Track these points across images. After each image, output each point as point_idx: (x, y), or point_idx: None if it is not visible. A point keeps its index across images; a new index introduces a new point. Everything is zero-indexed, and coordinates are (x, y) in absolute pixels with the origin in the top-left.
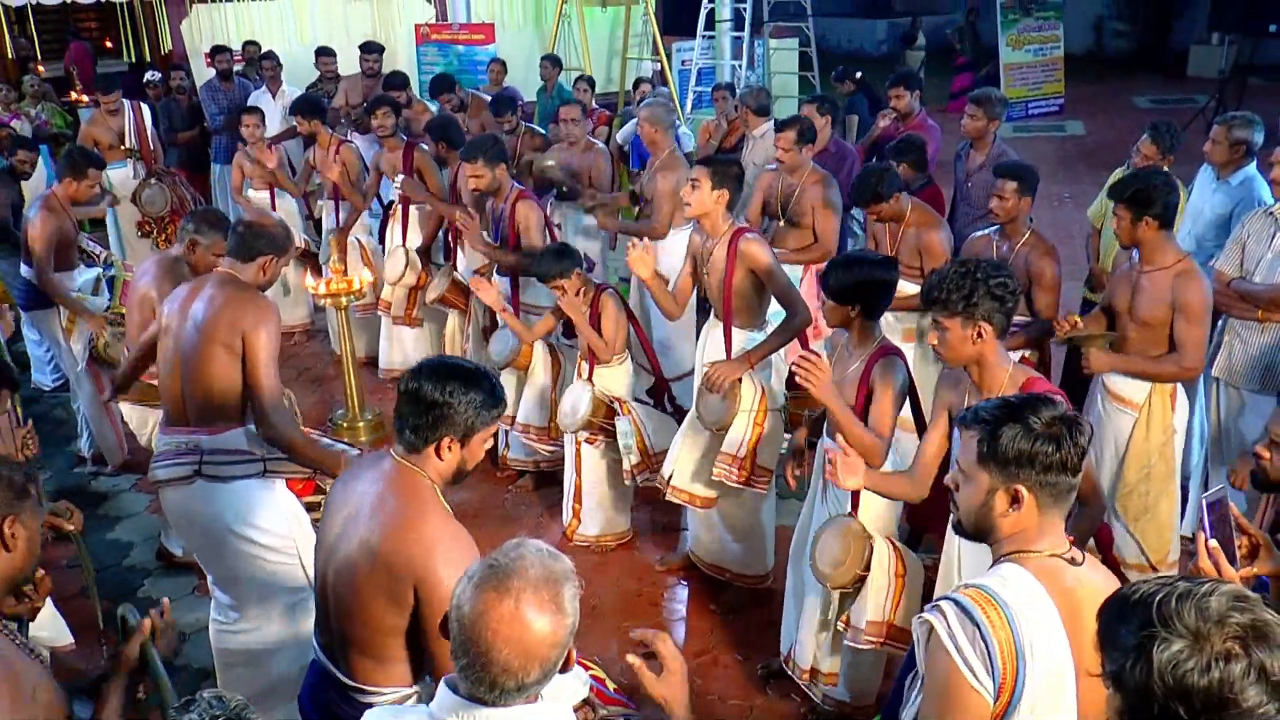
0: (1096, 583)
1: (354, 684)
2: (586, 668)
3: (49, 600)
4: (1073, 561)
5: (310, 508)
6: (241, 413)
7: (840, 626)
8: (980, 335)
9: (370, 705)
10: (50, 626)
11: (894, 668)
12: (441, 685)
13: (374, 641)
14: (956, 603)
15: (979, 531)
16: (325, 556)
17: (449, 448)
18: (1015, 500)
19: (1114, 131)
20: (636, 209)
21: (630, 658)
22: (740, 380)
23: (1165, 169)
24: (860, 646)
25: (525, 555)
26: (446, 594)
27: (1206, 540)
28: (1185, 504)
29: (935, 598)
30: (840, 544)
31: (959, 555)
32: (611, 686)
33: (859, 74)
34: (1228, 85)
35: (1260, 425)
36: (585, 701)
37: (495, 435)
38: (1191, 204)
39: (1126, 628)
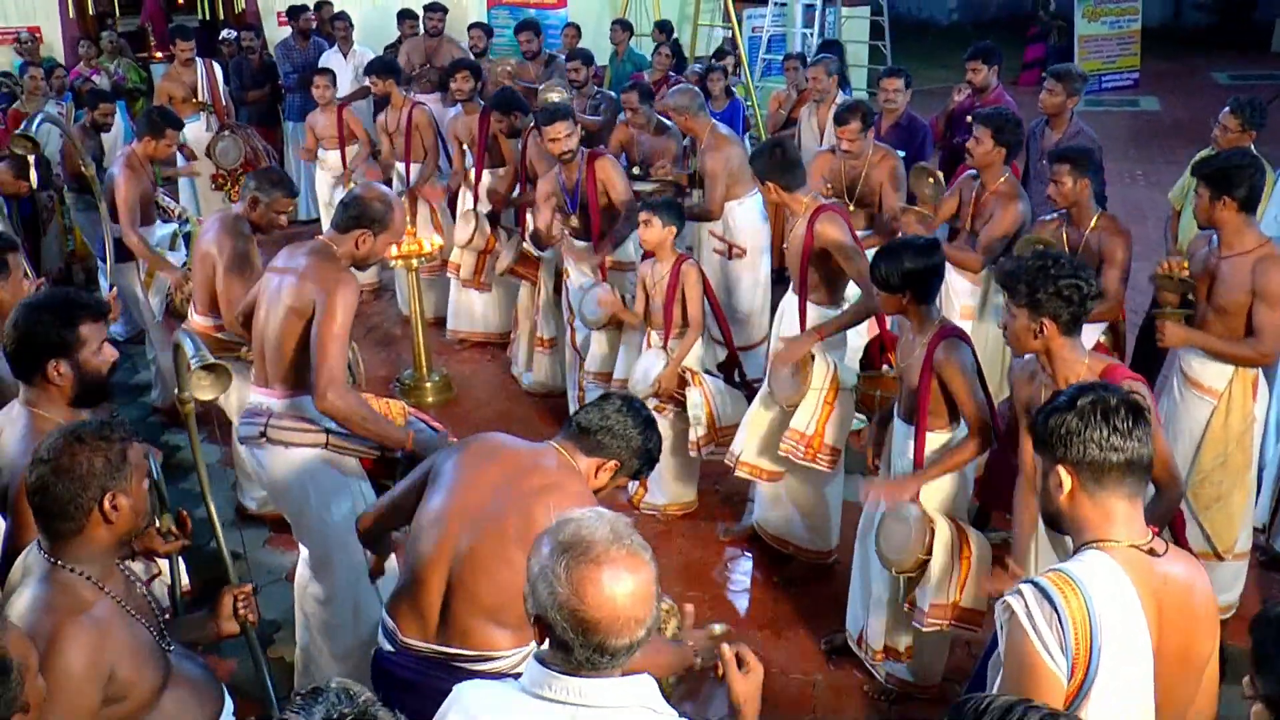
0: (1178, 573)
1: (473, 653)
2: None
3: None
4: (1152, 552)
5: (381, 489)
6: (309, 381)
7: (905, 608)
8: (1042, 330)
9: (485, 672)
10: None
11: (960, 647)
12: (530, 661)
13: (512, 608)
14: (1036, 585)
15: (1049, 518)
16: (455, 528)
17: (608, 470)
18: (1061, 482)
19: (1190, 109)
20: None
21: (725, 648)
22: (813, 357)
23: (1248, 145)
24: (926, 628)
25: (585, 522)
26: None
27: None
28: (1259, 493)
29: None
30: (902, 530)
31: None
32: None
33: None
34: None
35: None
36: None
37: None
38: (1278, 187)
39: None
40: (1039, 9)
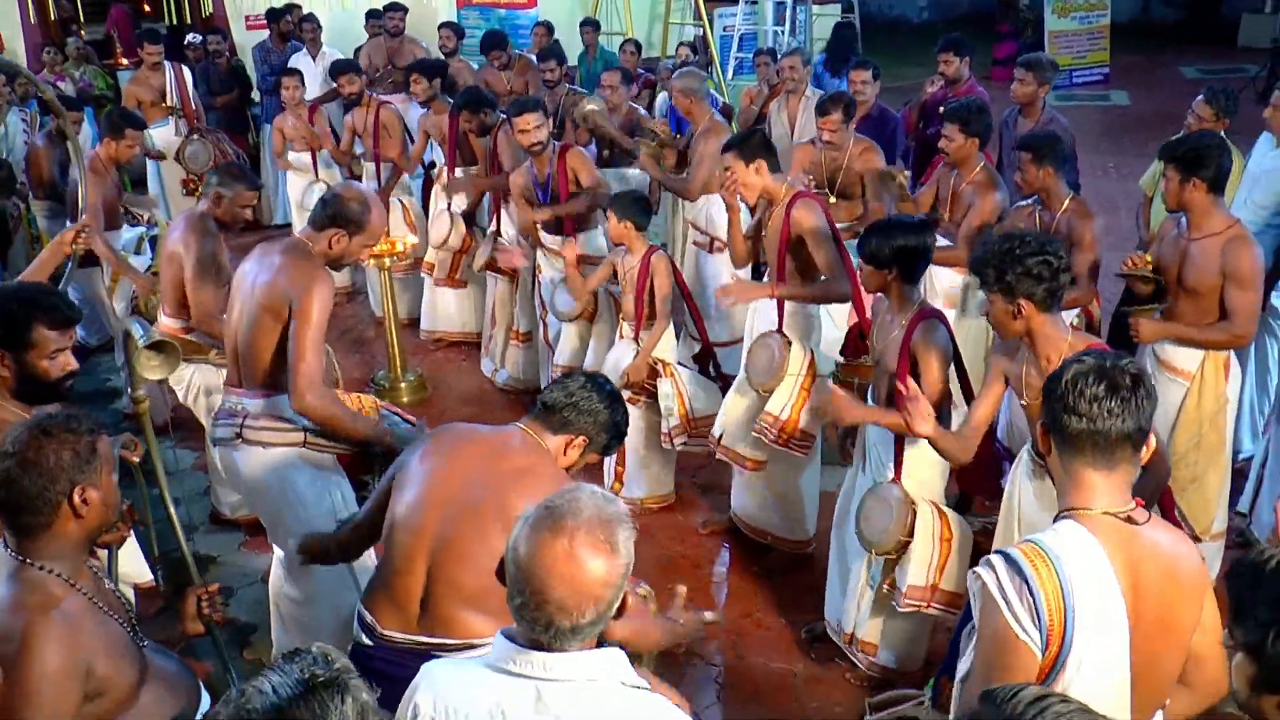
0: (1159, 541)
1: (457, 641)
2: None
3: (131, 536)
4: (1131, 520)
5: (359, 485)
6: (284, 380)
7: (885, 589)
8: (1020, 311)
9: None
10: (131, 561)
11: (941, 633)
12: (498, 636)
13: (495, 594)
14: (1006, 556)
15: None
16: (432, 518)
17: (577, 447)
18: (1043, 442)
19: (1159, 102)
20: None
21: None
22: (790, 344)
23: (1220, 132)
24: (903, 609)
25: (580, 497)
26: None
27: None
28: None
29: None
30: (884, 511)
31: (1019, 508)
32: None
33: None
34: None
35: None
36: None
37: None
38: (1249, 171)
39: (1262, 598)
40: (1016, 5)
